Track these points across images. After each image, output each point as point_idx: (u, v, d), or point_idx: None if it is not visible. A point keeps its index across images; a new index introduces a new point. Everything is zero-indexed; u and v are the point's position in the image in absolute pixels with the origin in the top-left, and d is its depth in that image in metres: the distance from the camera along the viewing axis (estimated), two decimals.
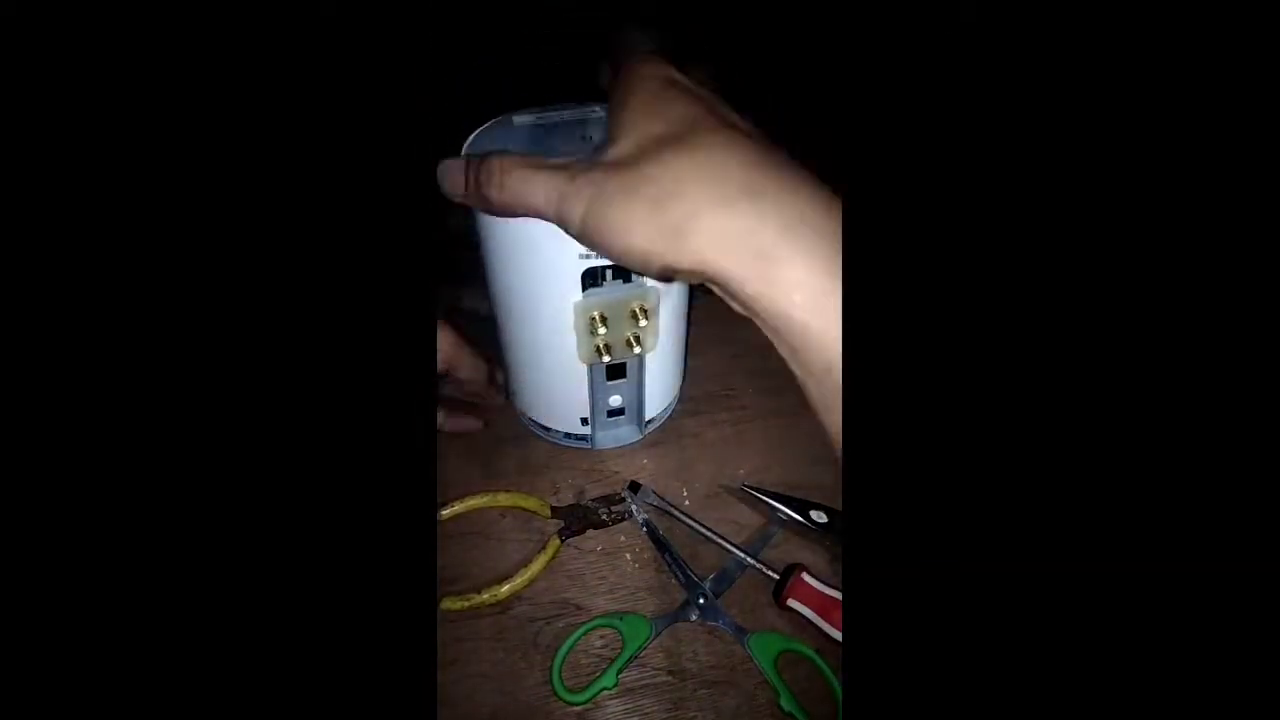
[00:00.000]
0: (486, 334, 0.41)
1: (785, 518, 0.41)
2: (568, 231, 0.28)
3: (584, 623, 0.38)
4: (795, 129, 0.30)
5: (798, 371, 0.25)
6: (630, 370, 0.41)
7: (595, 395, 0.42)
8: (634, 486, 0.42)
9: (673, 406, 0.47)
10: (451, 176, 0.31)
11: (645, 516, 0.42)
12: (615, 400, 0.43)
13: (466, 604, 0.38)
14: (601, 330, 0.36)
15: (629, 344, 0.38)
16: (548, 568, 0.40)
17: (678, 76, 0.28)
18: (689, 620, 0.38)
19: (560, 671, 0.36)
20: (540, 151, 0.33)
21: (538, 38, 0.58)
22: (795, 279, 0.23)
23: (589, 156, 0.27)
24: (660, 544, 0.41)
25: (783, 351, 0.25)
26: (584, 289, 0.35)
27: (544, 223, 0.29)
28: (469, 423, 0.44)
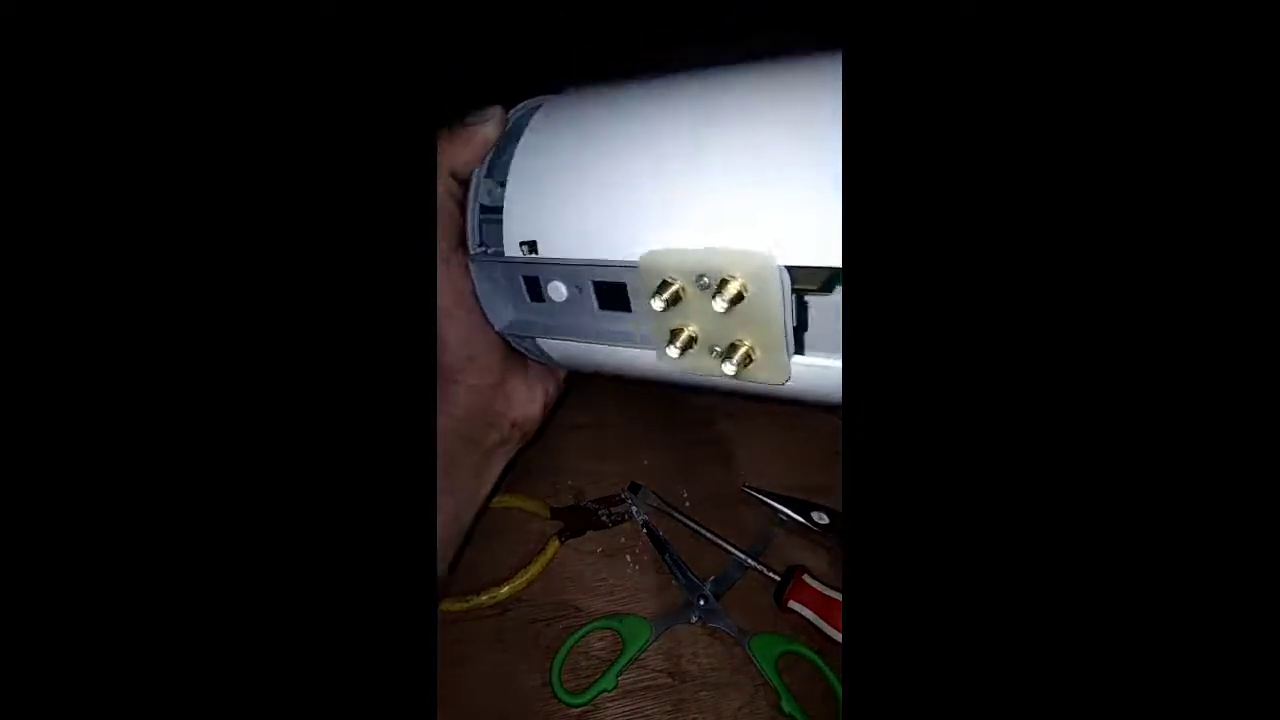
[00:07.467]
0: None
1: (786, 519, 0.41)
2: None
3: (583, 624, 0.38)
4: None
5: None
6: None
7: None
8: (634, 487, 0.42)
9: None
10: None
11: (645, 518, 0.42)
12: None
13: (466, 605, 0.38)
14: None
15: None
16: (547, 569, 0.40)
17: None
18: (689, 622, 0.38)
19: (560, 673, 0.36)
20: None
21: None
22: None
23: None
24: (660, 545, 0.41)
25: None
26: None
27: None
28: None
